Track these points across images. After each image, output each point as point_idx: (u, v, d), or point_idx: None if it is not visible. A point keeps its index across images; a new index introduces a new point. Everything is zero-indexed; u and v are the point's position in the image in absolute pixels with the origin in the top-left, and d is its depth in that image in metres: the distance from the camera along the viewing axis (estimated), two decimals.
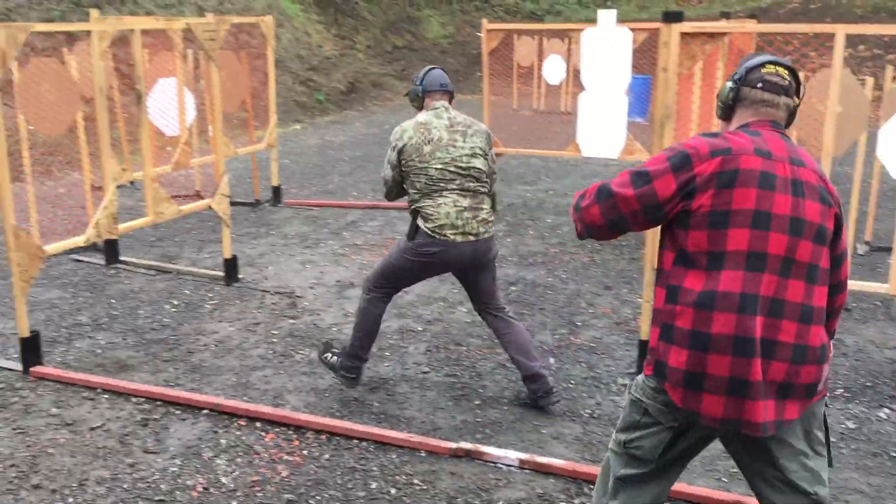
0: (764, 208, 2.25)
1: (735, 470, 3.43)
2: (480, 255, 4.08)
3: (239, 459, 3.73)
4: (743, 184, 2.26)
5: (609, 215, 2.40)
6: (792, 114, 2.46)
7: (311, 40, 18.47)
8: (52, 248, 4.74)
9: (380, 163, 11.19)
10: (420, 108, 4.24)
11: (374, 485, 3.52)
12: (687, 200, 2.30)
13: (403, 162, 4.05)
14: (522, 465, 3.62)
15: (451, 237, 3.98)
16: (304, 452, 3.79)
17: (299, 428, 4.00)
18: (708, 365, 2.24)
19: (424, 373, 4.66)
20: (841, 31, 4.35)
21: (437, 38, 22.00)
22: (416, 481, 3.54)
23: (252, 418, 4.09)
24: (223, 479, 3.57)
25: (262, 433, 3.97)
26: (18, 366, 4.61)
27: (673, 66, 4.18)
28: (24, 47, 4.43)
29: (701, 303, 2.25)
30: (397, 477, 3.57)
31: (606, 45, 7.35)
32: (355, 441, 3.88)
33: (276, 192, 8.84)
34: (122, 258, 6.63)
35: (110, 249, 6.59)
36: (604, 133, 7.57)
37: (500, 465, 3.65)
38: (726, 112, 2.50)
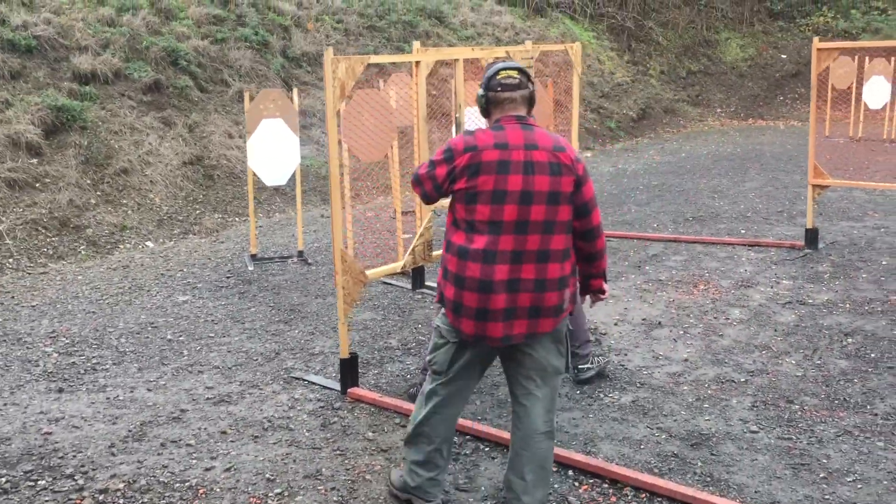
0: (500, 188, 3.06)
1: None
2: None
3: None
4: (485, 172, 3.07)
5: (421, 189, 3.27)
6: (531, 99, 3.23)
7: (603, 67, 18.25)
8: (373, 273, 4.87)
9: (678, 193, 10.68)
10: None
11: None
12: (452, 184, 3.15)
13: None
14: None
15: None
16: None
17: (615, 482, 3.69)
18: (464, 298, 3.12)
19: (753, 432, 4.14)
20: None
21: (735, 61, 20.80)
22: None
23: (563, 464, 3.85)
24: None
25: (576, 483, 3.71)
26: (337, 385, 4.76)
27: None
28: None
29: (460, 254, 3.12)
30: None
31: None
32: None
33: None
34: (427, 283, 6.76)
35: (416, 274, 6.75)
36: None
37: None
38: (485, 113, 3.29)
